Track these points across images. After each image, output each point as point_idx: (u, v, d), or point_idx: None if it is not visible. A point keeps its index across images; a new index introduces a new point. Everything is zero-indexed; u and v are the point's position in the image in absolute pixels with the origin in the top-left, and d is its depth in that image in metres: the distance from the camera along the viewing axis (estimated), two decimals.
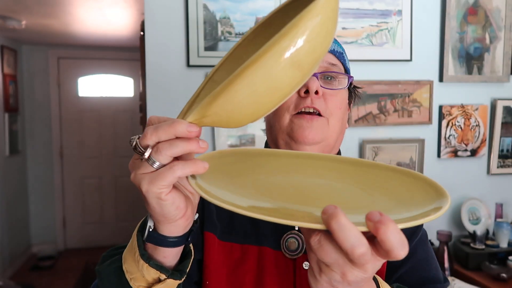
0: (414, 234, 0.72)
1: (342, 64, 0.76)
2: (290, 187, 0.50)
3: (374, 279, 0.50)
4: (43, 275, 3.87)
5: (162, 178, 0.42)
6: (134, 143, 0.44)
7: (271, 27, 0.49)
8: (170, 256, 0.52)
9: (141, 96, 2.90)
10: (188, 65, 1.69)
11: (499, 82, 1.99)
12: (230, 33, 1.72)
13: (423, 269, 0.68)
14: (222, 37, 1.71)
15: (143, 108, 2.84)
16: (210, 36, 1.70)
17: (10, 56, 3.93)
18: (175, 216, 0.47)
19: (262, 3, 1.73)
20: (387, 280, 0.69)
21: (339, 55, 0.76)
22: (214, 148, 1.76)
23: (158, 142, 0.42)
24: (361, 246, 0.35)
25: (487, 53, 1.97)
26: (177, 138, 0.42)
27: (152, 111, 1.69)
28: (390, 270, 0.69)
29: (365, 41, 1.84)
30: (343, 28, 1.81)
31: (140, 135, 0.44)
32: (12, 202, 3.92)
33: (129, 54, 4.45)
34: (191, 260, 0.56)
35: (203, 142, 0.43)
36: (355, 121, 1.87)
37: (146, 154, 0.42)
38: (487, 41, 1.96)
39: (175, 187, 0.46)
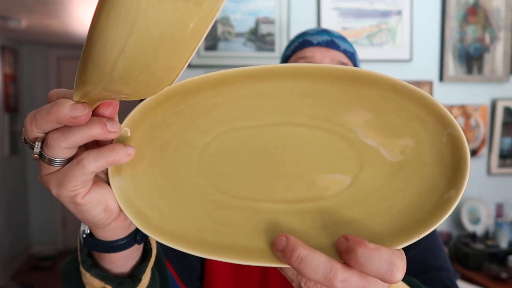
0: None
1: (354, 64, 0.75)
2: (247, 160, 0.35)
3: None
4: (43, 275, 3.87)
5: (70, 178, 0.32)
6: (23, 137, 0.33)
7: None
8: (118, 260, 0.41)
9: None
10: (188, 65, 1.68)
11: (499, 82, 1.99)
12: (230, 33, 1.72)
13: (428, 258, 0.64)
14: (222, 37, 1.71)
15: None
16: (210, 36, 1.70)
17: (10, 56, 3.93)
18: (104, 220, 0.36)
19: (262, 3, 1.73)
20: None
21: (351, 55, 0.74)
22: None
23: (48, 133, 0.32)
24: (336, 273, 0.29)
25: (487, 53, 1.97)
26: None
27: None
28: None
29: (365, 41, 1.84)
30: (343, 28, 1.81)
31: None
32: (12, 202, 3.92)
33: None
34: (150, 263, 0.44)
35: (113, 124, 0.31)
36: None
37: (36, 150, 0.32)
38: (487, 41, 1.96)
39: (98, 182, 0.35)
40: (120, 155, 0.32)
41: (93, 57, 0.28)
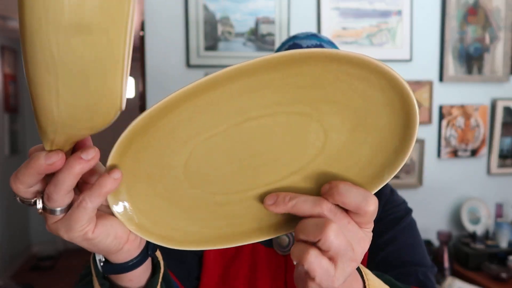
0: (401, 221, 0.71)
1: None
2: (226, 161, 0.38)
3: (358, 268, 0.47)
4: (43, 275, 3.87)
5: (76, 220, 0.35)
6: (18, 199, 0.36)
7: None
8: (135, 277, 0.46)
9: (141, 96, 2.90)
10: (188, 65, 1.69)
11: (499, 82, 1.99)
12: (230, 33, 1.72)
13: (406, 253, 0.66)
14: (222, 37, 1.71)
15: (143, 108, 2.84)
16: (210, 36, 1.70)
17: (10, 56, 3.93)
18: (117, 246, 0.40)
19: (262, 3, 1.73)
20: (368, 266, 0.68)
21: None
22: None
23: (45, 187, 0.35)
24: (322, 202, 0.36)
25: (487, 53, 1.97)
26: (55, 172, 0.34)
27: None
28: (372, 255, 0.69)
29: (365, 41, 1.84)
30: (343, 28, 1.82)
31: None
32: (12, 202, 3.92)
33: None
34: (160, 275, 0.49)
35: (87, 152, 0.34)
36: None
37: (39, 207, 0.35)
38: (487, 41, 1.96)
39: (101, 216, 0.39)
40: (109, 184, 0.35)
41: (38, 108, 0.30)
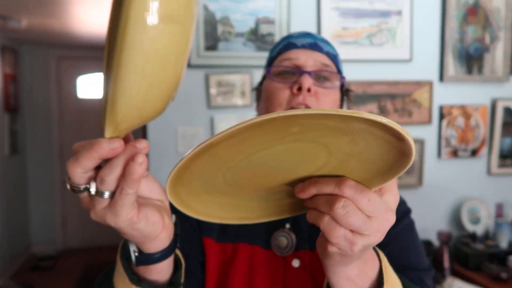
0: (399, 222, 0.70)
1: (336, 66, 0.76)
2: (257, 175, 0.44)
3: (375, 250, 0.50)
4: (43, 275, 3.87)
5: (122, 203, 0.39)
6: (68, 186, 0.39)
7: None
8: (163, 269, 0.50)
9: None
10: (188, 65, 1.69)
11: (499, 82, 1.99)
12: (230, 33, 1.72)
13: (402, 257, 0.66)
14: (222, 37, 1.71)
15: None
16: (210, 36, 1.70)
17: (10, 56, 3.93)
18: (155, 232, 0.45)
19: (262, 3, 1.73)
20: None
21: (333, 57, 0.76)
22: None
23: (96, 171, 0.39)
24: (343, 182, 0.40)
25: (487, 53, 1.97)
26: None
27: None
28: None
29: (365, 41, 1.84)
30: (343, 28, 1.82)
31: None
32: (12, 202, 3.92)
33: None
34: (183, 269, 0.55)
35: (141, 142, 0.39)
36: None
37: (93, 189, 0.39)
38: (487, 41, 1.96)
39: (141, 205, 0.43)
40: (137, 169, 0.38)
41: (119, 92, 0.35)
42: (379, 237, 0.40)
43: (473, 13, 1.94)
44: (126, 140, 0.41)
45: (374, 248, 0.50)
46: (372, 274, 0.48)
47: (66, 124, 4.51)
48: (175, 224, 0.51)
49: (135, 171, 0.38)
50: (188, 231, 0.73)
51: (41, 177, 4.41)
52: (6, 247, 3.77)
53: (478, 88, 2.00)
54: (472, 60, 1.96)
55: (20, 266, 4.08)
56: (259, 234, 0.72)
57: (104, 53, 0.42)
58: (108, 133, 0.38)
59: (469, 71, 1.96)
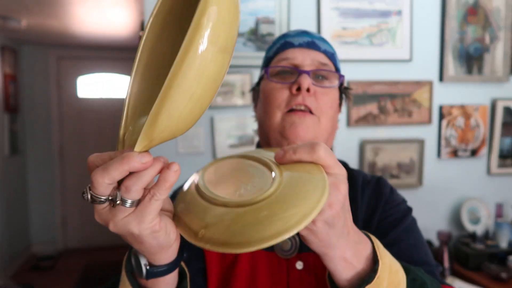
0: (402, 222, 0.70)
1: (334, 64, 0.75)
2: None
3: (371, 240, 0.51)
4: (43, 275, 3.87)
5: (149, 211, 0.40)
6: (89, 196, 0.40)
7: (170, 15, 0.44)
8: (171, 281, 0.51)
9: None
10: None
11: (499, 82, 1.99)
12: None
13: (411, 254, 0.66)
14: None
15: None
16: None
17: (10, 56, 3.93)
18: (170, 241, 0.46)
19: (262, 3, 1.73)
20: None
21: (331, 55, 0.75)
22: (213, 148, 1.76)
23: (121, 181, 0.40)
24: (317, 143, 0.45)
25: (487, 53, 1.97)
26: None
27: None
28: None
29: (365, 41, 1.84)
30: (343, 28, 1.81)
31: (89, 186, 0.40)
32: (12, 202, 3.92)
33: (129, 54, 4.45)
34: (188, 279, 0.56)
35: (174, 165, 0.41)
36: (355, 121, 1.87)
37: (118, 199, 0.40)
38: (487, 41, 1.96)
39: (160, 213, 0.44)
40: (171, 177, 0.40)
41: (167, 109, 0.37)
42: (335, 209, 0.43)
43: (473, 13, 1.94)
44: None
45: (364, 233, 0.52)
46: (366, 254, 0.49)
47: (66, 124, 4.51)
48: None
49: (169, 178, 0.40)
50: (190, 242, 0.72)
51: (41, 177, 4.41)
52: (6, 247, 3.77)
53: (478, 88, 2.00)
54: (472, 60, 1.96)
55: (20, 266, 4.08)
56: None
57: (135, 59, 0.45)
58: (140, 146, 0.40)
59: (469, 71, 1.96)
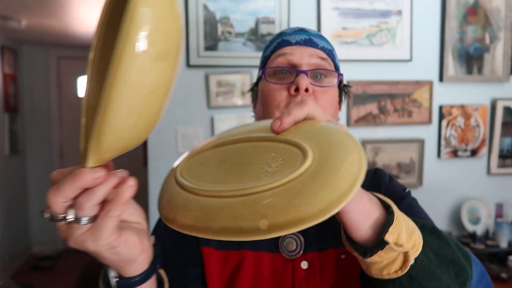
0: (402, 200, 0.70)
1: (332, 61, 0.74)
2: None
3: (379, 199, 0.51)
4: (43, 275, 3.87)
5: (104, 227, 0.39)
6: (48, 216, 0.39)
7: (114, 13, 0.41)
8: None
9: None
10: (188, 65, 1.69)
11: (499, 82, 1.99)
12: (230, 33, 1.72)
13: (413, 212, 0.67)
14: (222, 37, 1.71)
15: None
16: (210, 36, 1.70)
17: (10, 56, 3.93)
18: (135, 255, 0.45)
19: (262, 3, 1.73)
20: None
21: (329, 52, 0.74)
22: None
23: (76, 197, 0.39)
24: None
25: (487, 53, 1.97)
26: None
27: None
28: None
29: (365, 41, 1.84)
30: (343, 28, 1.81)
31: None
32: (12, 202, 3.92)
33: None
34: (167, 286, 0.55)
35: (122, 172, 0.41)
36: (355, 121, 1.87)
37: (70, 217, 0.39)
38: (487, 41, 1.96)
39: (121, 228, 0.43)
40: (126, 192, 0.40)
41: (108, 125, 0.35)
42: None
43: (473, 13, 1.94)
44: (106, 167, 0.41)
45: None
46: (376, 201, 0.49)
47: (66, 124, 4.51)
48: (154, 246, 0.51)
49: (124, 193, 0.39)
50: (185, 247, 0.71)
51: (41, 177, 4.40)
52: (6, 247, 3.77)
53: (478, 88, 2.00)
54: (472, 60, 1.96)
55: (20, 266, 4.08)
56: (264, 239, 0.70)
57: (88, 60, 0.42)
58: (91, 162, 0.38)
59: (469, 71, 1.96)
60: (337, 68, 0.75)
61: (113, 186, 0.40)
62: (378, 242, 0.45)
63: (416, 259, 0.47)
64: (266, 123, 0.50)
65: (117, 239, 0.41)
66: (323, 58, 0.71)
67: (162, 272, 0.55)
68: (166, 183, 0.48)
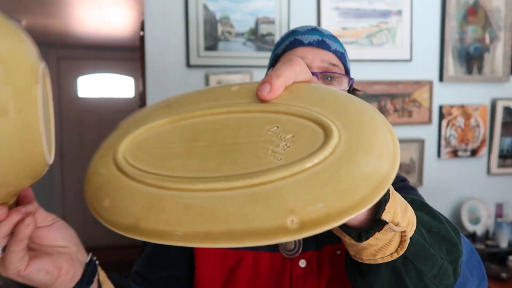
0: (401, 190, 0.70)
1: (344, 65, 0.74)
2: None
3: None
4: None
5: (9, 261, 0.43)
6: None
7: None
8: None
9: (141, 96, 2.90)
10: (188, 65, 1.69)
11: (499, 82, 1.99)
12: (230, 33, 1.72)
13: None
14: (222, 37, 1.71)
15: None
16: (210, 36, 1.70)
17: None
18: (50, 280, 0.47)
19: (262, 3, 1.73)
20: None
21: (341, 55, 0.74)
22: None
23: None
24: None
25: (487, 53, 1.97)
26: None
27: None
28: None
29: (365, 41, 1.84)
30: (343, 28, 1.81)
31: None
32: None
33: (129, 54, 4.45)
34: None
35: (27, 207, 0.45)
36: None
37: None
38: (487, 41, 1.96)
39: (35, 255, 0.46)
40: (24, 231, 0.42)
41: None
42: None
43: (473, 13, 1.94)
44: (23, 199, 0.47)
45: None
46: None
47: (66, 124, 4.51)
48: (89, 263, 0.53)
49: (22, 231, 0.42)
50: (172, 252, 0.71)
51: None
52: None
53: (478, 88, 2.00)
54: (472, 60, 1.96)
55: None
56: None
57: None
58: None
59: (469, 71, 1.96)
60: (347, 72, 0.75)
61: (16, 223, 0.43)
62: (374, 223, 0.39)
63: (411, 238, 0.41)
64: (240, 87, 0.39)
65: (25, 269, 0.44)
66: (334, 65, 0.71)
67: (106, 283, 0.57)
68: (103, 177, 0.36)
